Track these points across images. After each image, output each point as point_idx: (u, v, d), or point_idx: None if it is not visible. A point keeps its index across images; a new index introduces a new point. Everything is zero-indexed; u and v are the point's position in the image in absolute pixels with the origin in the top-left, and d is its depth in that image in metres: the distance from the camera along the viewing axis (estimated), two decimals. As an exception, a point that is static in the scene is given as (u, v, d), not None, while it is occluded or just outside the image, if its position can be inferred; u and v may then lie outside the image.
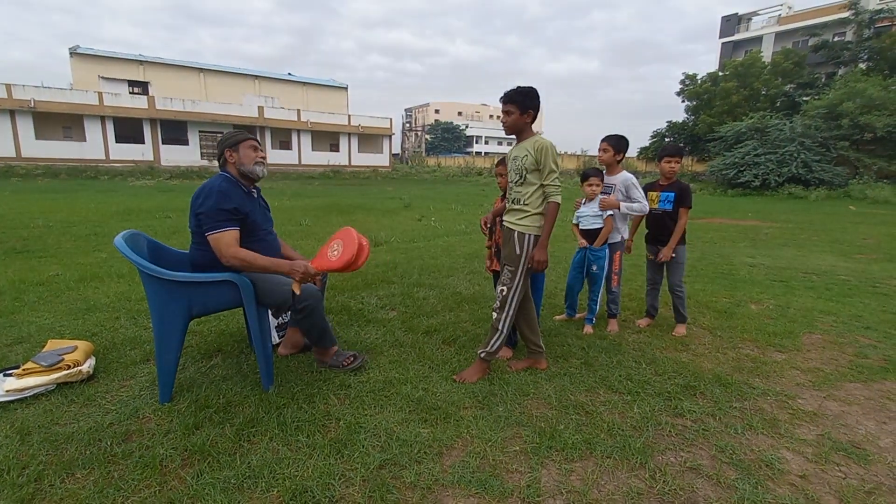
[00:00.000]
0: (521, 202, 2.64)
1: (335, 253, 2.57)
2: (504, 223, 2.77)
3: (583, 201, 3.54)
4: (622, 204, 3.43)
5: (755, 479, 1.90)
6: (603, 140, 3.54)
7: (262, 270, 2.43)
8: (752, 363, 3.04)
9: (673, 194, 3.49)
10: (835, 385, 2.78)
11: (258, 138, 2.47)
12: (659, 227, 3.57)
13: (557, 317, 3.83)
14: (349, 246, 2.54)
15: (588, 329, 3.54)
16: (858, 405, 2.56)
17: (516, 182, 2.66)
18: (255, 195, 2.65)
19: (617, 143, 3.48)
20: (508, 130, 2.67)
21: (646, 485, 1.86)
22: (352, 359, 2.76)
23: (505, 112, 2.64)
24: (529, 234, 2.62)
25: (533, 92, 2.58)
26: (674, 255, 3.48)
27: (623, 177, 3.50)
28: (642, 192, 3.47)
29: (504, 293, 2.67)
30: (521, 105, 2.57)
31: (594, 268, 3.50)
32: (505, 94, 2.61)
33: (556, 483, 1.86)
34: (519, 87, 2.60)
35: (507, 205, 2.77)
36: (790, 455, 2.09)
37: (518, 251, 2.63)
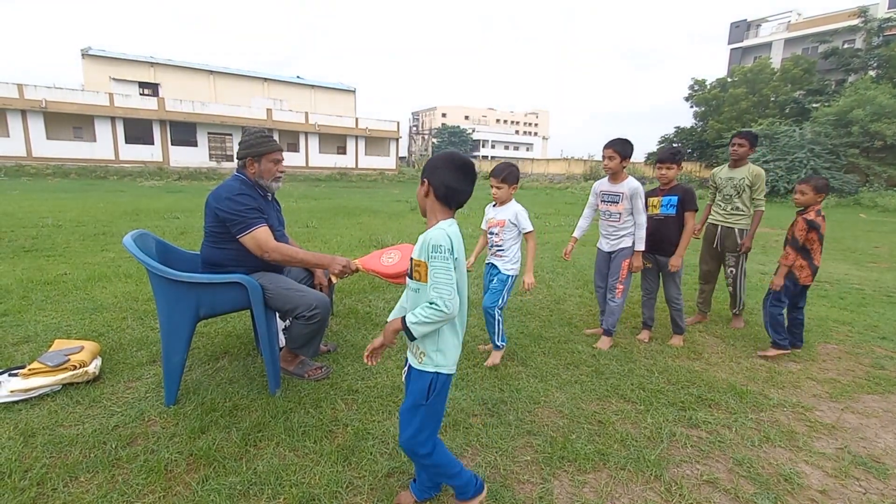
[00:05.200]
0: (740, 209, 3.74)
1: (391, 260, 2.62)
2: (723, 224, 3.82)
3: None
4: (637, 243, 3.23)
5: (774, 495, 1.85)
6: (606, 146, 3.22)
7: (302, 264, 2.51)
8: (767, 373, 2.98)
9: (676, 198, 3.31)
10: (852, 397, 2.71)
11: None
12: (660, 234, 3.34)
13: (482, 347, 3.23)
14: (407, 259, 2.62)
15: (493, 359, 2.95)
16: (877, 418, 2.50)
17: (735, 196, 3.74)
18: (270, 198, 2.65)
19: (623, 149, 3.17)
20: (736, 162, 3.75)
21: (661, 498, 1.81)
22: (318, 370, 2.70)
23: (739, 144, 3.70)
24: (745, 229, 3.72)
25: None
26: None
27: (632, 186, 3.20)
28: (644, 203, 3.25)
29: (734, 272, 3.79)
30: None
31: (494, 280, 3.00)
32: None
33: (570, 495, 1.81)
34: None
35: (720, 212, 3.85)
36: (809, 469, 2.03)
37: (739, 241, 3.72)
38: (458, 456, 2.01)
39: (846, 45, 29.65)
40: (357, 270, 2.56)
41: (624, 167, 3.23)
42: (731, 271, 3.80)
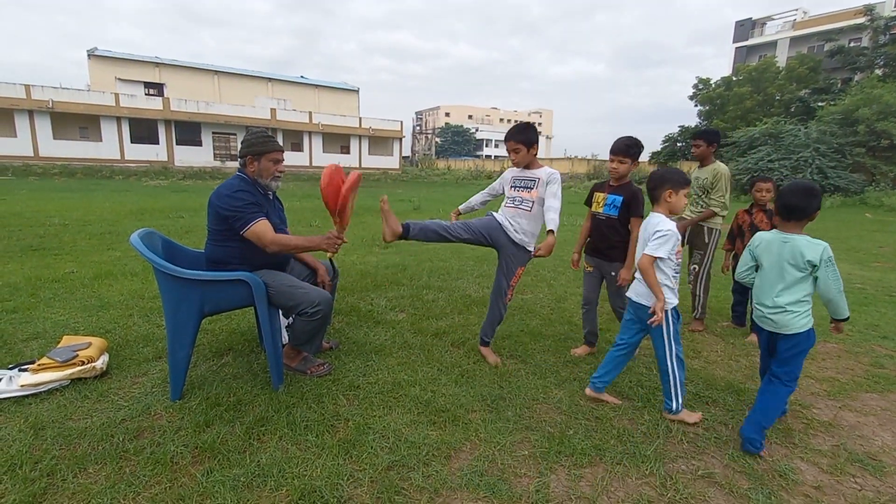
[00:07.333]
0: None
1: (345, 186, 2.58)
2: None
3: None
4: (549, 223, 2.71)
5: (769, 490, 1.87)
6: (506, 139, 2.89)
7: (297, 249, 2.58)
8: (766, 371, 3.00)
9: (620, 198, 2.86)
10: (850, 395, 2.73)
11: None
12: (601, 236, 2.97)
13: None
14: (356, 176, 2.64)
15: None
16: (875, 416, 2.51)
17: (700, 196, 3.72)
18: (271, 197, 2.69)
19: (526, 137, 2.81)
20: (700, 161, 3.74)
21: (656, 492, 1.84)
22: (319, 367, 2.73)
23: (695, 145, 3.75)
24: (715, 229, 3.70)
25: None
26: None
27: (549, 171, 2.85)
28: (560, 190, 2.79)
29: (696, 270, 3.73)
30: (708, 140, 3.65)
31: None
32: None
33: (566, 489, 1.84)
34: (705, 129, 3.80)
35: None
36: (805, 466, 2.06)
37: (707, 240, 3.69)
38: (456, 451, 2.05)
39: (852, 44, 29.39)
40: (342, 231, 2.59)
41: (534, 154, 2.85)
42: (694, 268, 3.73)
